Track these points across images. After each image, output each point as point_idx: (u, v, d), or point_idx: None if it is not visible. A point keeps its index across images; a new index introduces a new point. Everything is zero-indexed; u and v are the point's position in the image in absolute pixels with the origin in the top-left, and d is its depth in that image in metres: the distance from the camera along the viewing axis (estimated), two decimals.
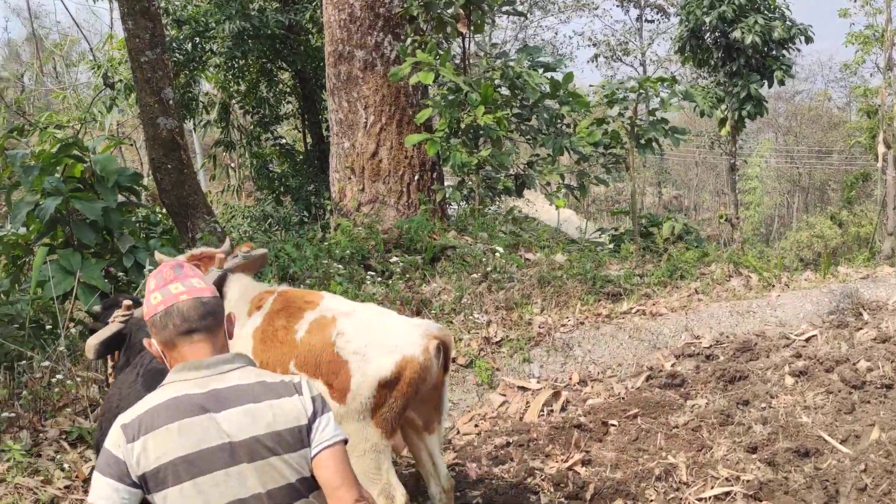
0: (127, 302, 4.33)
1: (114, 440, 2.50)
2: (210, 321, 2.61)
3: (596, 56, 35.95)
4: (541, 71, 9.71)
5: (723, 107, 19.02)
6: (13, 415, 5.55)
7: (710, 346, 6.88)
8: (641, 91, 9.40)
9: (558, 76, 9.89)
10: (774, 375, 6.30)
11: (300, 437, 2.55)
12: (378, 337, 4.04)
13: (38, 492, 4.78)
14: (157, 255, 5.20)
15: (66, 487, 5.00)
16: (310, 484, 2.59)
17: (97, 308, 4.90)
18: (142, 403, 2.55)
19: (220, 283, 4.52)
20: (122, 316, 4.25)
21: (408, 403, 4.05)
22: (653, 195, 47.33)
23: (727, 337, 7.07)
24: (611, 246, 10.14)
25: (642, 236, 10.31)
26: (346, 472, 2.54)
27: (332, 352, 4.02)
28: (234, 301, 4.49)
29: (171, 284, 2.64)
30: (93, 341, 4.16)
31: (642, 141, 9.43)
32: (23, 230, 7.81)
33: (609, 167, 10.09)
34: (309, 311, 4.26)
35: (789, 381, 6.16)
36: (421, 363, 3.99)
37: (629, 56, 36.86)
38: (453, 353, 6.84)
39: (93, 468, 5.10)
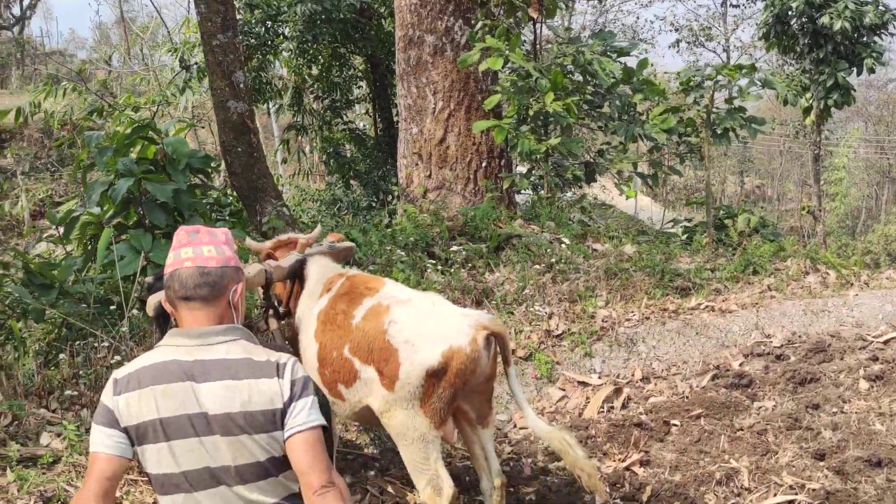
0: None
1: (106, 391, 2.70)
2: (206, 291, 2.69)
3: (678, 41, 34.99)
4: (614, 57, 9.47)
5: (808, 95, 18.33)
6: (76, 393, 5.64)
7: (781, 345, 6.62)
8: (718, 78, 9.07)
9: (633, 62, 9.65)
10: (848, 379, 6.02)
11: (273, 420, 2.60)
12: (428, 327, 4.01)
13: None
14: (248, 242, 5.39)
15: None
16: (281, 464, 2.66)
17: (150, 279, 4.97)
18: (137, 361, 2.71)
19: (300, 266, 4.74)
20: None
21: (456, 394, 3.99)
22: (734, 184, 46.24)
23: (799, 337, 6.79)
24: (683, 237, 9.85)
25: (717, 228, 9.99)
26: (316, 457, 2.57)
27: (384, 339, 4.02)
28: (312, 282, 4.68)
29: (182, 248, 2.74)
30: (152, 300, 4.31)
31: (718, 130, 9.11)
32: (97, 210, 7.93)
33: (683, 156, 9.79)
34: (368, 297, 4.29)
35: (864, 385, 5.88)
36: (468, 354, 3.92)
37: (712, 42, 35.83)
38: (511, 346, 6.75)
39: None
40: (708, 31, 35.46)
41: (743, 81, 9.16)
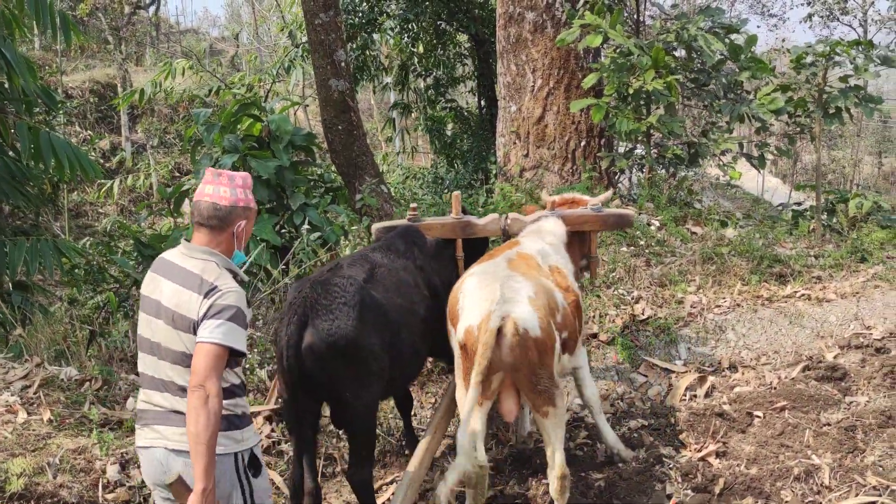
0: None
1: None
2: (214, 222, 3.32)
3: (810, 15, 33.36)
4: (722, 34, 9.11)
5: None
6: None
7: (882, 338, 6.26)
8: (832, 56, 8.60)
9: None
10: None
11: (190, 326, 3.19)
12: (474, 301, 4.24)
13: None
14: (543, 194, 6.17)
15: None
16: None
17: None
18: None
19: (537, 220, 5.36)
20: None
21: (478, 371, 3.97)
22: (872, 165, 43.86)
23: None
24: (791, 222, 9.43)
25: (828, 213, 9.53)
26: (202, 364, 3.09)
27: (456, 306, 4.42)
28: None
29: (206, 185, 3.35)
30: None
31: (830, 109, 8.66)
32: None
33: (792, 137, 9.35)
34: (484, 260, 4.75)
35: None
36: (475, 336, 4.06)
37: (847, 15, 33.96)
38: (595, 329, 6.65)
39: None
40: (843, 4, 33.65)
41: (860, 58, 8.66)
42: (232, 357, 3.19)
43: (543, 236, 5.07)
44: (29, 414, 4.71)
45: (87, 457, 4.39)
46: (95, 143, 20.96)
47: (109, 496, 4.14)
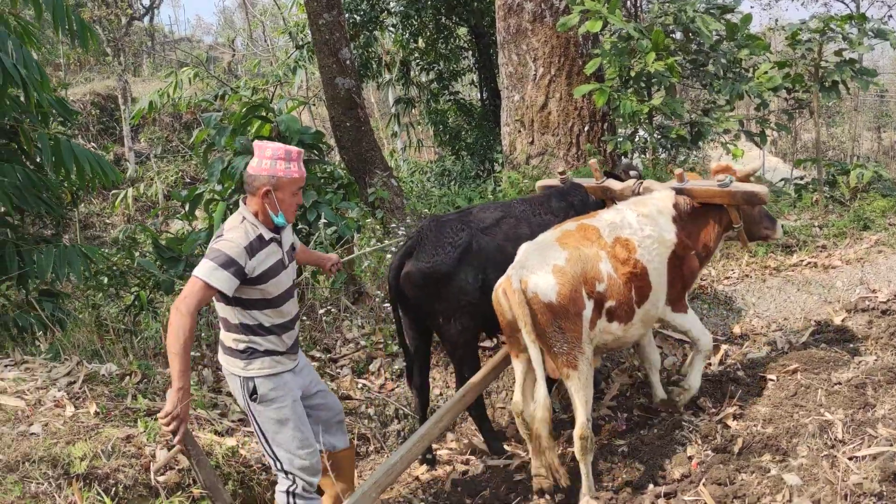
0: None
1: None
2: (246, 187, 4.01)
3: None
4: (717, 14, 9.30)
5: None
6: (198, 354, 6.14)
7: (887, 300, 6.48)
8: (827, 31, 8.80)
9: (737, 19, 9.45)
10: None
11: None
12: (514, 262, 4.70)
13: (214, 423, 5.29)
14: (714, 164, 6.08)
15: (240, 420, 5.49)
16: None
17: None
18: None
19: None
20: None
21: (506, 329, 4.63)
22: (871, 140, 43.93)
23: None
24: (794, 196, 9.64)
25: (829, 185, 9.73)
26: (183, 291, 3.76)
27: None
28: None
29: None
30: None
31: (826, 84, 8.86)
32: (218, 187, 8.43)
33: (791, 113, 9.55)
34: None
35: None
36: (497, 297, 4.59)
37: None
38: None
39: None
40: None
41: (853, 32, 8.86)
42: (216, 293, 3.79)
43: (639, 207, 5.21)
44: (76, 407, 4.93)
45: (135, 443, 4.61)
46: (105, 155, 21.21)
47: (161, 479, 4.37)
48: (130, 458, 4.41)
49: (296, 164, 3.98)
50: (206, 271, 3.76)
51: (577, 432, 4.56)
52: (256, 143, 3.97)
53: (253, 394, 4.05)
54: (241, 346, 4.02)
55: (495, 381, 6.06)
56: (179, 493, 4.26)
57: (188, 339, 3.69)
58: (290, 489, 4.17)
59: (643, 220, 5.10)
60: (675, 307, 5.23)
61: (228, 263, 3.78)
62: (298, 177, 4.00)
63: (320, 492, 4.53)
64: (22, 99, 7.66)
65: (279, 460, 4.13)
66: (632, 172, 6.00)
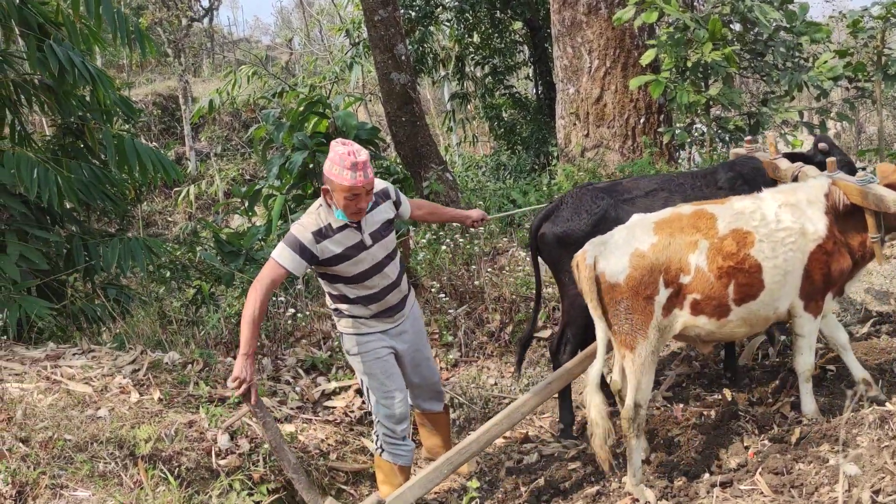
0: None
1: None
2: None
3: None
4: (776, 4, 9.16)
5: None
6: (258, 344, 6.27)
7: None
8: (890, 17, 8.61)
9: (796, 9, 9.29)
10: None
11: None
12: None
13: (274, 410, 5.41)
14: None
15: (298, 408, 5.61)
16: None
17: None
18: None
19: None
20: None
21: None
22: None
23: None
24: None
25: None
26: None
27: None
28: None
29: None
30: None
31: (890, 72, 8.66)
32: (277, 183, 8.58)
33: (853, 102, 9.37)
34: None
35: None
36: (573, 267, 4.67)
37: None
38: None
39: (323, 392, 5.69)
40: None
41: None
42: (287, 271, 4.26)
43: (787, 196, 4.82)
44: (140, 394, 5.10)
45: (198, 428, 4.75)
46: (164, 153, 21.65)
47: (222, 462, 4.49)
48: (192, 442, 4.55)
49: (350, 171, 4.12)
50: (277, 252, 4.25)
51: (623, 413, 4.63)
52: (334, 141, 4.24)
53: (343, 347, 4.76)
54: (333, 307, 4.68)
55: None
56: (239, 473, 4.37)
57: (258, 311, 4.12)
58: (377, 431, 4.74)
59: (784, 210, 4.72)
60: (807, 305, 4.79)
61: (296, 246, 4.24)
62: (349, 185, 4.14)
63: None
64: (87, 98, 7.90)
65: (370, 404, 4.73)
66: (820, 145, 5.66)
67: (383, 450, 4.73)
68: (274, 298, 6.72)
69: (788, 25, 9.00)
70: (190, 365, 5.71)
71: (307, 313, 6.56)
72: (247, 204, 9.06)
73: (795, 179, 5.24)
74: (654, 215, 4.75)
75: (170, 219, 20.41)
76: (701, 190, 5.45)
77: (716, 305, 4.62)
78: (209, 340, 6.36)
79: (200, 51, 32.07)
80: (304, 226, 4.29)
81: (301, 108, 8.73)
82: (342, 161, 4.12)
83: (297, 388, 5.77)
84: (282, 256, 4.23)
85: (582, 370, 5.21)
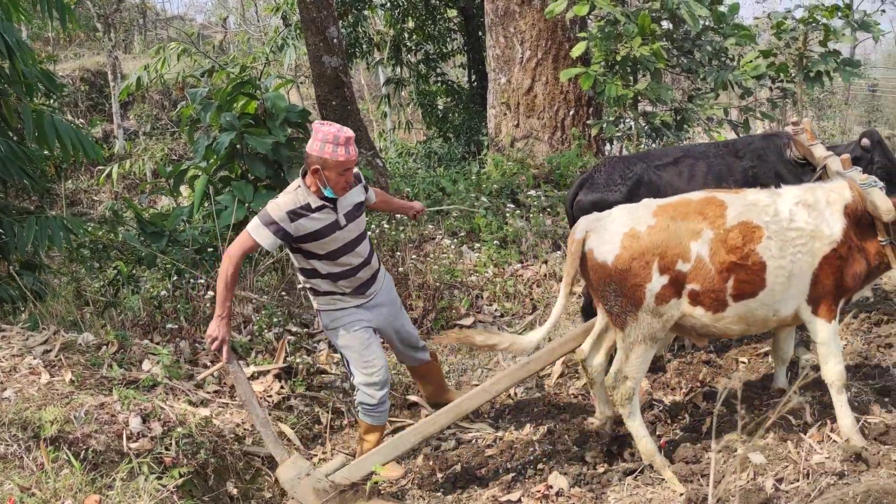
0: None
1: None
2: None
3: None
4: (707, 2, 9.31)
5: None
6: (176, 326, 6.17)
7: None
8: (812, 21, 8.84)
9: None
10: None
11: None
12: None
13: (189, 394, 5.33)
14: None
15: (215, 392, 5.54)
16: None
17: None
18: None
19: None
20: None
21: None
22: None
23: (880, 280, 6.69)
24: None
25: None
26: None
27: None
28: None
29: None
30: None
31: (811, 74, 8.90)
32: (203, 163, 8.43)
33: (775, 102, 9.60)
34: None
35: None
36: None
37: None
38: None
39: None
40: None
41: (839, 23, 8.90)
42: (258, 245, 4.57)
43: (805, 194, 4.57)
44: (51, 375, 4.96)
45: (109, 411, 4.65)
46: (91, 131, 21.10)
47: (133, 445, 4.41)
48: (103, 425, 4.45)
49: (343, 147, 4.49)
50: (251, 226, 4.56)
51: (606, 380, 4.82)
52: (314, 124, 4.56)
53: (321, 323, 5.04)
54: (308, 286, 4.94)
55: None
56: (148, 456, 4.30)
57: (229, 278, 4.51)
58: (357, 398, 5.03)
59: (800, 209, 4.48)
60: (817, 308, 4.54)
61: (270, 223, 4.52)
62: (344, 160, 4.50)
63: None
64: (7, 71, 7.64)
65: (351, 374, 5.01)
66: (863, 142, 5.46)
67: (361, 412, 5.03)
68: (193, 281, 6.62)
69: (716, 26, 9.17)
70: (105, 347, 5.58)
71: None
72: (172, 184, 8.88)
73: (819, 178, 5.05)
74: (661, 200, 4.64)
75: (95, 198, 19.90)
76: (723, 158, 5.55)
77: (714, 299, 4.48)
78: (126, 322, 6.23)
79: (132, 27, 31.28)
80: (279, 205, 4.56)
81: (230, 89, 8.57)
82: (334, 139, 4.47)
83: (215, 373, 5.69)
84: (255, 231, 4.53)
85: (563, 353, 5.22)
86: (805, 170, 5.37)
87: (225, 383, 5.62)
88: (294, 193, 4.62)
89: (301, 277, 4.96)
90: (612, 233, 4.45)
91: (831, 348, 4.59)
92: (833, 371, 4.60)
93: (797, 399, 5.02)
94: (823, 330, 4.57)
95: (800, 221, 4.43)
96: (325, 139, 4.47)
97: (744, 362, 5.80)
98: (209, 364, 5.83)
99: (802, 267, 4.44)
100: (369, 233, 5.44)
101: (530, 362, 5.06)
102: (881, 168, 5.29)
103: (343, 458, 4.73)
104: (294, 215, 4.56)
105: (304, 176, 4.66)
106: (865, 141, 5.42)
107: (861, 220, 4.54)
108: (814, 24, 8.90)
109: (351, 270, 4.84)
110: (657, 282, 4.39)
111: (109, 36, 22.60)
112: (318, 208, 4.63)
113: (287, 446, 5.03)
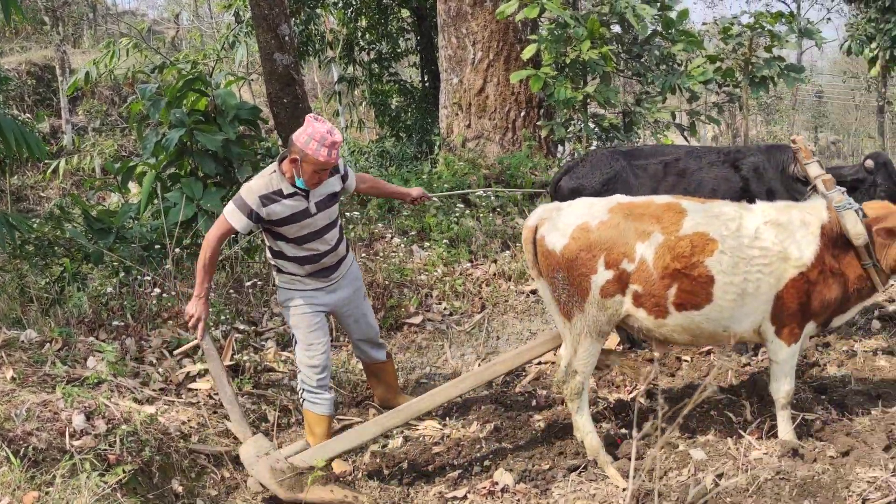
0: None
1: None
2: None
3: None
4: (656, 7, 9.46)
5: (873, 45, 17.91)
6: (122, 324, 6.11)
7: None
8: (757, 27, 9.03)
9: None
10: (861, 319, 6.13)
11: None
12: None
13: (135, 391, 5.29)
14: None
15: (161, 390, 5.50)
16: None
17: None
18: None
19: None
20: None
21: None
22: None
23: None
24: None
25: None
26: None
27: None
28: None
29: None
30: None
31: (756, 79, 9.09)
32: (153, 160, 8.34)
33: (721, 106, 9.80)
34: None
35: (876, 325, 6.01)
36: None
37: None
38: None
39: (188, 374, 5.60)
40: None
41: (782, 29, 9.10)
42: (232, 228, 4.72)
43: (779, 214, 4.47)
44: None
45: (52, 409, 4.61)
46: (36, 126, 20.71)
47: (76, 443, 4.37)
48: (45, 423, 4.41)
49: (326, 149, 4.56)
50: (227, 210, 4.74)
51: (556, 374, 5.00)
52: (308, 116, 4.66)
53: (278, 298, 5.19)
54: (273, 263, 5.08)
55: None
56: (91, 454, 4.26)
57: (208, 260, 4.74)
58: (299, 381, 5.15)
59: (768, 228, 4.40)
60: (779, 332, 4.50)
61: (243, 207, 4.68)
62: (324, 161, 4.58)
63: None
64: None
65: (295, 354, 5.14)
66: (867, 163, 5.33)
67: (304, 399, 5.13)
68: (140, 278, 6.56)
69: (665, 32, 9.32)
70: (48, 344, 5.52)
71: (174, 294, 6.42)
72: (120, 180, 8.77)
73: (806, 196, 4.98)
74: (625, 198, 4.67)
75: (42, 194, 19.55)
76: (718, 167, 5.65)
77: (654, 304, 4.45)
78: (72, 319, 6.15)
79: (81, 21, 30.77)
80: (252, 189, 4.71)
81: (180, 85, 8.49)
82: (321, 139, 4.54)
83: (161, 370, 5.65)
84: (230, 215, 4.71)
85: (532, 357, 5.30)
86: (806, 188, 5.23)
87: (171, 381, 5.58)
88: (268, 178, 4.74)
89: (268, 254, 5.09)
90: (564, 223, 4.57)
91: (784, 369, 4.59)
92: (782, 390, 4.63)
93: (711, 389, 5.26)
94: (781, 351, 4.55)
95: (766, 241, 4.34)
96: (313, 136, 4.56)
97: (687, 360, 5.91)
98: (154, 362, 5.78)
99: (762, 287, 4.36)
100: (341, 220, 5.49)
101: (497, 364, 5.19)
102: (885, 191, 5.22)
103: (305, 442, 4.83)
104: (266, 200, 4.69)
105: (280, 161, 4.77)
106: (869, 162, 5.33)
107: (838, 242, 4.46)
108: (759, 30, 9.09)
109: (316, 256, 4.98)
110: (602, 275, 4.45)
111: (58, 30, 22.22)
112: (290, 195, 4.75)
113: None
